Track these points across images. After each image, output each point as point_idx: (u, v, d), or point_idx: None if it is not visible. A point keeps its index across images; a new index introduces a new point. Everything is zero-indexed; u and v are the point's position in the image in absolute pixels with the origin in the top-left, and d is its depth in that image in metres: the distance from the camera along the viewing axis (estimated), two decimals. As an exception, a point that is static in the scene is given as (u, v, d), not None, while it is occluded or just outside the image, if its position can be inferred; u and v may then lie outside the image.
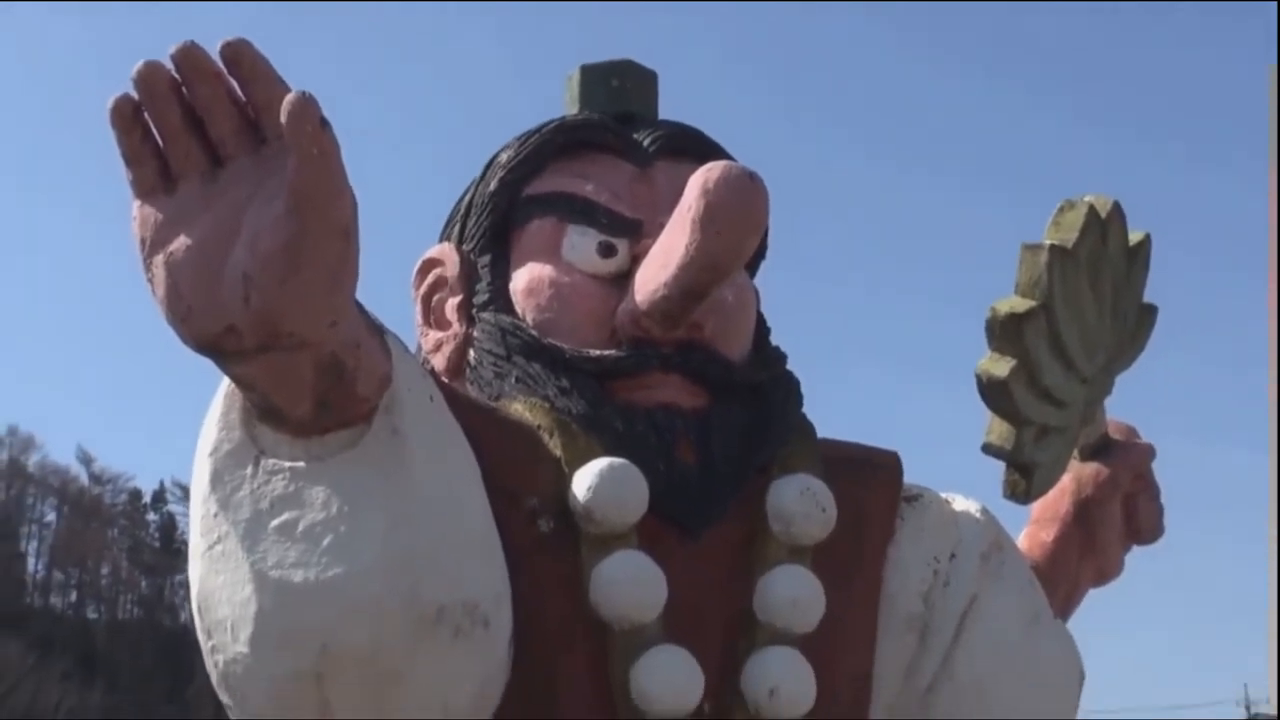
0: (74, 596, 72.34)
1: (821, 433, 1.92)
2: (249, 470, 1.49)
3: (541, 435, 1.72)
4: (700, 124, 1.98)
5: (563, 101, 2.00)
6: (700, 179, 1.64)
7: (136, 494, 75.45)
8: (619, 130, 1.90)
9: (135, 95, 1.36)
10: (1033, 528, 2.11)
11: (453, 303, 1.90)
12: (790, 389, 1.89)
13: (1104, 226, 1.94)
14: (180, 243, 1.36)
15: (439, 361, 1.88)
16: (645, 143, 1.90)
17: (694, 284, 1.69)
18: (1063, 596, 2.06)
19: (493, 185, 1.90)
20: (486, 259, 1.89)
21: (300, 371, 1.42)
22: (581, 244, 1.83)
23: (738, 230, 1.64)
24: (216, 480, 1.50)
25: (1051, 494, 2.07)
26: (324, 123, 1.29)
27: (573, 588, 1.65)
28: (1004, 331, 1.87)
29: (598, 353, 1.77)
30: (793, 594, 1.73)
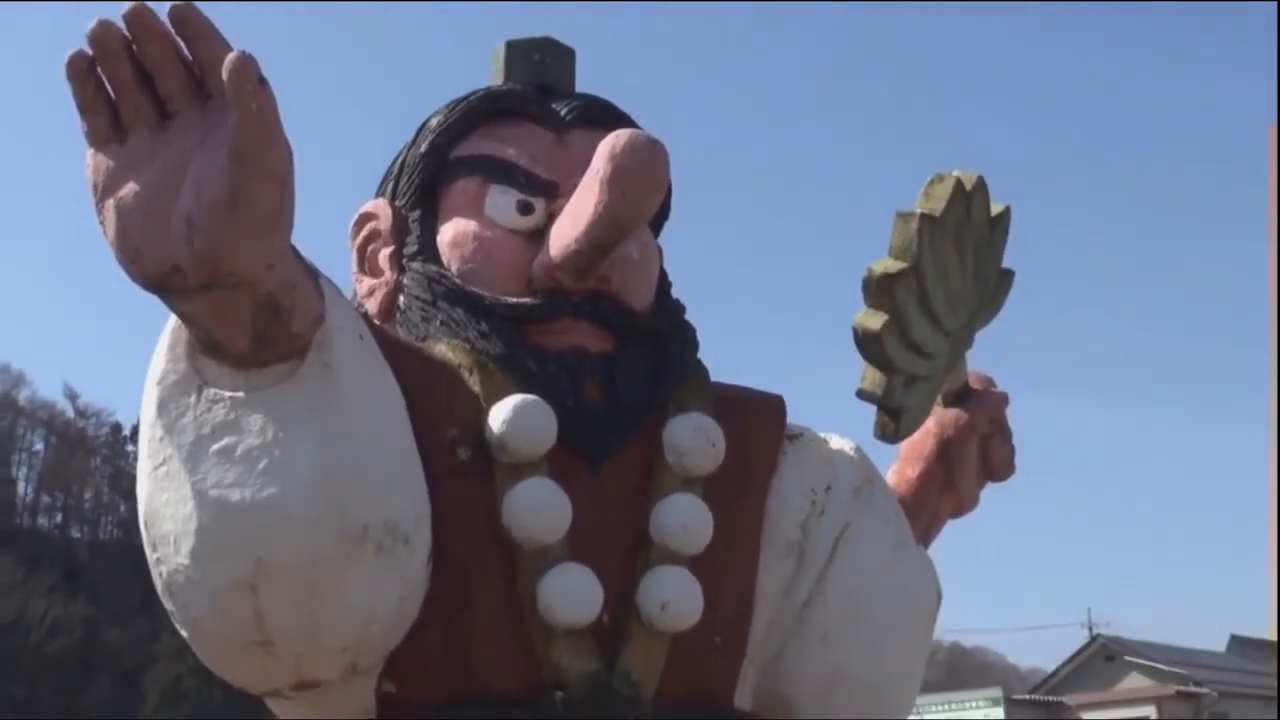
0: (60, 518, 73.52)
1: (719, 378, 2.02)
2: (192, 399, 1.56)
3: (462, 373, 1.81)
4: (613, 97, 2.07)
5: (488, 73, 2.07)
6: (608, 145, 1.73)
7: (117, 427, 76.25)
8: (539, 100, 1.99)
9: (90, 52, 1.42)
10: (900, 465, 2.22)
11: (385, 253, 1.98)
12: (687, 337, 1.98)
13: (969, 198, 2.03)
14: (129, 189, 1.43)
15: (372, 306, 1.96)
16: (563, 112, 1.99)
17: (601, 239, 1.78)
18: (924, 526, 2.17)
19: (423, 147, 1.98)
20: (417, 214, 1.97)
21: (240, 309, 1.49)
22: (502, 202, 1.91)
23: (641, 190, 1.73)
24: (163, 407, 1.57)
25: (917, 435, 2.18)
26: (262, 80, 1.36)
27: (487, 511, 1.74)
28: (878, 289, 1.96)
29: (514, 300, 1.86)
30: (683, 520, 1.82)
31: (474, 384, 1.79)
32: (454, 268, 1.90)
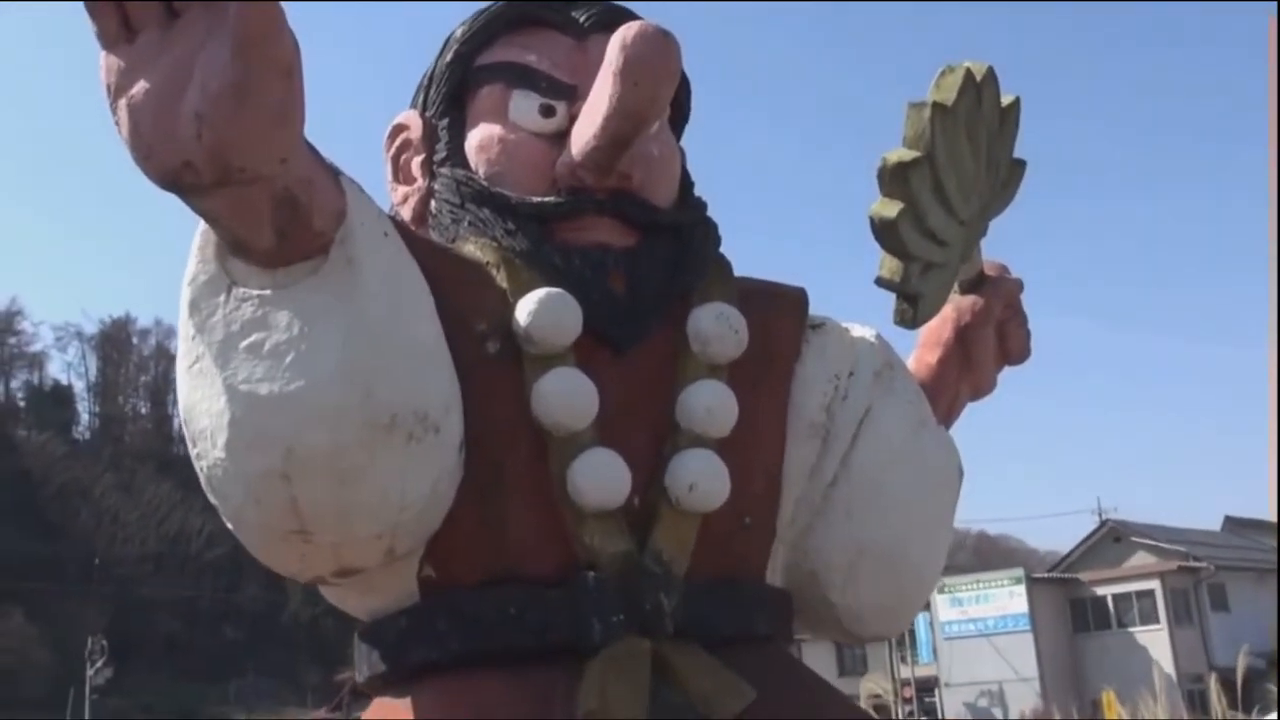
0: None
1: (744, 271, 1.82)
2: (222, 298, 1.40)
3: (490, 270, 1.62)
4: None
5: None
6: (619, 37, 1.52)
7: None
8: (559, 8, 1.78)
9: None
10: (920, 350, 2.01)
11: (417, 160, 1.79)
12: (709, 230, 1.78)
13: (979, 88, 1.81)
14: (140, 87, 1.24)
15: (405, 212, 1.77)
16: (582, 19, 1.78)
17: (618, 131, 1.58)
18: (944, 407, 1.96)
19: (449, 57, 1.78)
20: (445, 122, 1.78)
21: (257, 205, 1.31)
22: (525, 106, 1.71)
23: (653, 80, 1.53)
24: (194, 307, 1.41)
25: (935, 322, 1.97)
26: None
27: (517, 400, 1.56)
28: (893, 179, 1.75)
29: (539, 199, 1.66)
30: (708, 403, 1.63)
31: (501, 280, 1.61)
32: (481, 171, 1.71)
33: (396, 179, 1.81)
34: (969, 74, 1.78)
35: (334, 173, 1.42)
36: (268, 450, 1.37)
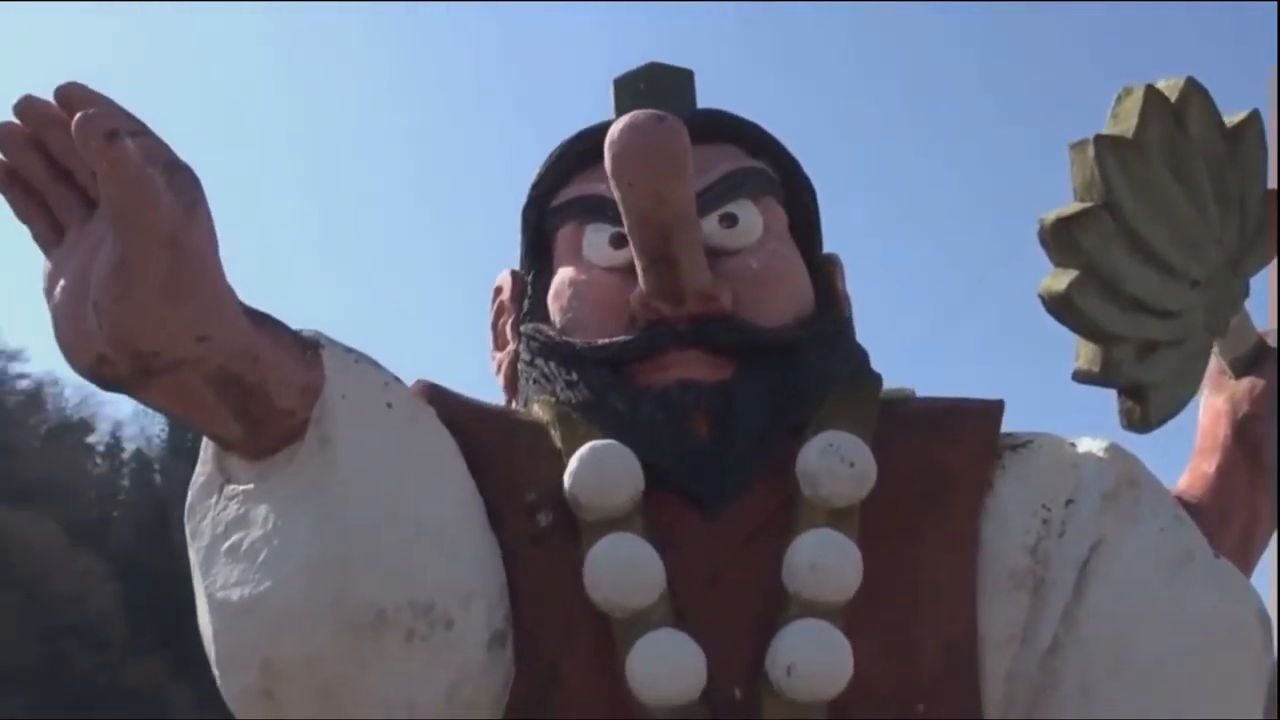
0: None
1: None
2: (213, 499, 1.25)
3: (548, 430, 1.37)
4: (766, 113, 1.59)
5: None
6: (609, 134, 1.27)
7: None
8: None
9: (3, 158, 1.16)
10: (1194, 461, 1.50)
11: (508, 323, 1.58)
12: (833, 344, 1.43)
13: (1177, 110, 1.37)
14: (60, 287, 1.14)
15: (501, 381, 1.56)
16: None
17: (646, 244, 1.31)
18: (1239, 533, 1.44)
19: (525, 203, 1.59)
20: (531, 275, 1.56)
21: (196, 391, 1.15)
22: (597, 240, 1.47)
23: (648, 173, 1.25)
24: (190, 512, 1.27)
25: (1206, 421, 1.48)
26: (110, 136, 1.03)
27: (572, 579, 1.27)
28: (1056, 240, 1.34)
29: (607, 341, 1.40)
30: (813, 558, 1.26)
31: (557, 440, 1.35)
32: (557, 320, 1.46)
33: (496, 346, 1.62)
34: (1152, 92, 1.36)
35: (303, 343, 1.25)
36: (246, 665, 1.19)
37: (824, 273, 1.53)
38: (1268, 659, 1.36)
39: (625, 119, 1.25)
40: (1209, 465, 1.47)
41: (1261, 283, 1.53)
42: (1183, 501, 1.45)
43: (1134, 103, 1.35)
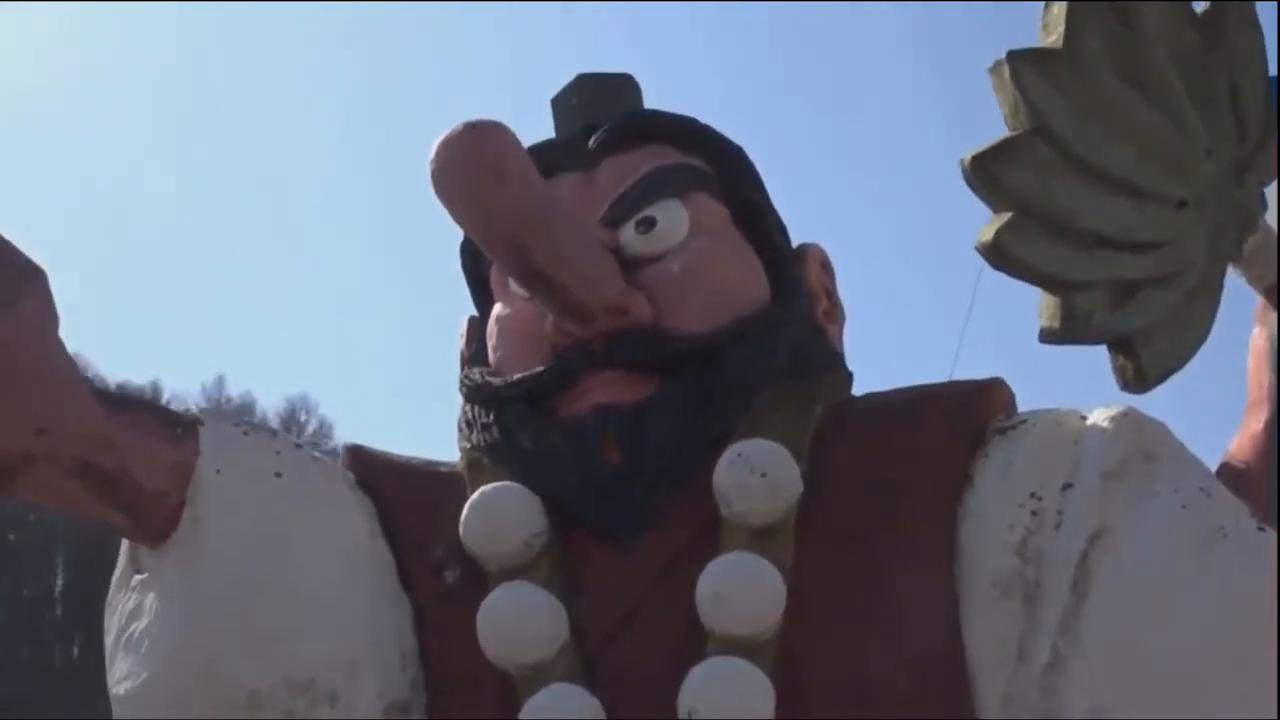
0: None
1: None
2: (123, 593, 1.23)
3: (462, 479, 1.27)
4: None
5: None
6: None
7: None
8: (561, 145, 1.43)
9: None
10: (1245, 417, 1.24)
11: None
12: (761, 343, 1.25)
13: (1118, 8, 1.15)
14: None
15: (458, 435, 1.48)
16: (591, 144, 1.41)
17: (507, 265, 1.21)
18: None
19: (461, 240, 1.49)
20: (480, 316, 1.48)
21: (60, 485, 1.13)
22: None
23: (462, 189, 1.14)
24: (108, 607, 1.25)
25: (1251, 367, 1.23)
26: None
27: (475, 635, 1.17)
28: (979, 182, 1.13)
29: (522, 375, 1.29)
30: (714, 587, 1.10)
31: (469, 489, 1.25)
32: (492, 360, 1.37)
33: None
34: None
35: (177, 421, 1.20)
36: None
37: (786, 265, 1.37)
38: None
39: (440, 139, 1.15)
40: (1257, 421, 1.21)
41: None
42: (1230, 467, 1.20)
43: (1060, 8, 1.14)
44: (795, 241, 1.44)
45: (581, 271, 1.21)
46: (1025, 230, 1.12)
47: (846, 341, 1.43)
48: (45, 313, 1.09)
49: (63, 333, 1.10)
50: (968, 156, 1.13)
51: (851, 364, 1.38)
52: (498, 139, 1.13)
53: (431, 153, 1.14)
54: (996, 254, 1.12)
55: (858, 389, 1.36)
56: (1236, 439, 1.23)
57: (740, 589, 1.10)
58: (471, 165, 1.12)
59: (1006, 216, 1.12)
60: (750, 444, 1.16)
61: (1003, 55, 1.14)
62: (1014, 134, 1.13)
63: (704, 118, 1.43)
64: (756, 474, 1.13)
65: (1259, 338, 1.22)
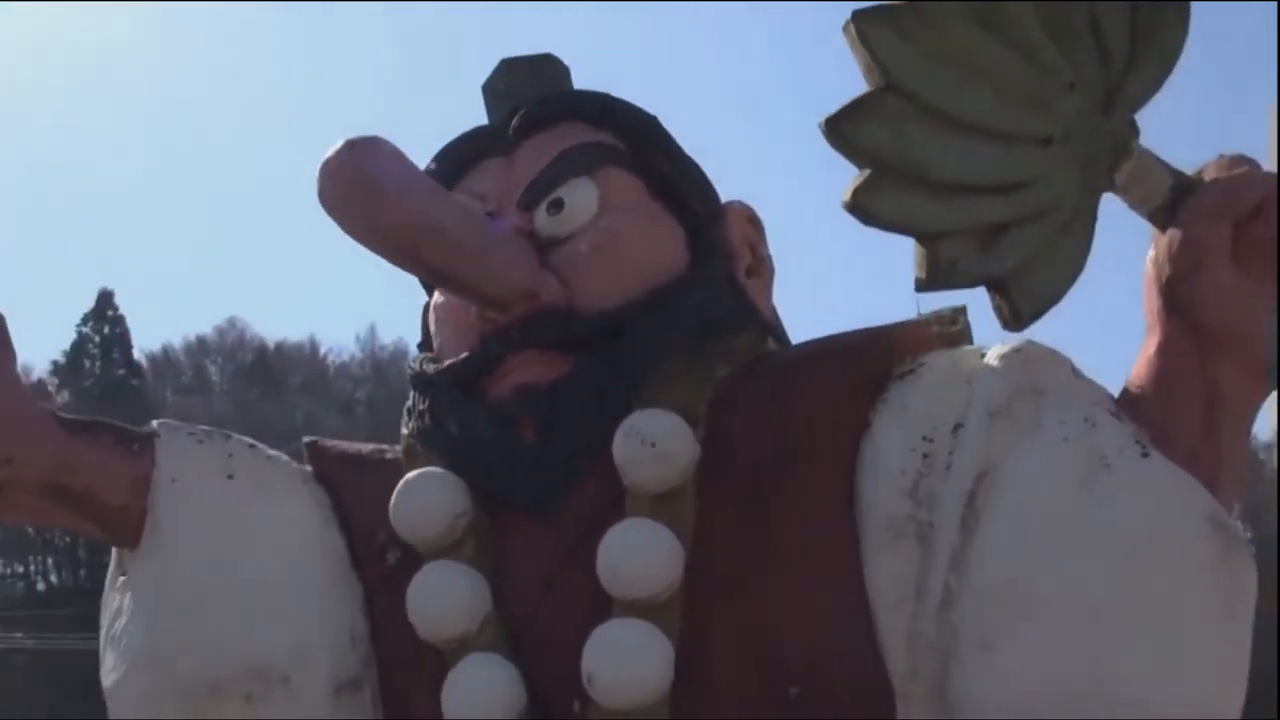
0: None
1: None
2: (112, 592, 1.37)
3: (401, 467, 1.37)
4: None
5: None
6: None
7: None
8: (481, 133, 1.48)
9: None
10: (1144, 343, 1.25)
11: None
12: (667, 311, 1.30)
13: None
14: None
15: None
16: (510, 129, 1.46)
17: (413, 271, 1.29)
18: (1199, 412, 1.17)
19: None
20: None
21: (34, 506, 1.27)
22: None
23: (343, 206, 1.21)
24: (103, 604, 1.38)
25: (1145, 294, 1.23)
26: None
27: None
28: (835, 143, 1.16)
29: (450, 361, 1.37)
30: (608, 553, 1.18)
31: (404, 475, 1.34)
32: (435, 348, 1.46)
33: None
34: None
35: (134, 437, 1.32)
36: None
37: (706, 228, 1.41)
38: (1229, 568, 1.11)
39: (323, 161, 1.22)
40: (1152, 344, 1.22)
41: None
42: (1127, 393, 1.22)
43: None
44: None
45: (481, 265, 1.28)
46: (881, 186, 1.15)
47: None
48: (2, 350, 1.22)
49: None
50: (822, 119, 1.16)
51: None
52: (370, 155, 1.20)
53: (320, 169, 1.21)
54: (857, 212, 1.15)
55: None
56: (1136, 365, 1.24)
57: (632, 554, 1.17)
58: (348, 185, 1.20)
59: (864, 174, 1.15)
60: (641, 416, 1.22)
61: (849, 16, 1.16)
62: (867, 92, 1.15)
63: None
64: (646, 445, 1.20)
65: (1148, 265, 1.22)
